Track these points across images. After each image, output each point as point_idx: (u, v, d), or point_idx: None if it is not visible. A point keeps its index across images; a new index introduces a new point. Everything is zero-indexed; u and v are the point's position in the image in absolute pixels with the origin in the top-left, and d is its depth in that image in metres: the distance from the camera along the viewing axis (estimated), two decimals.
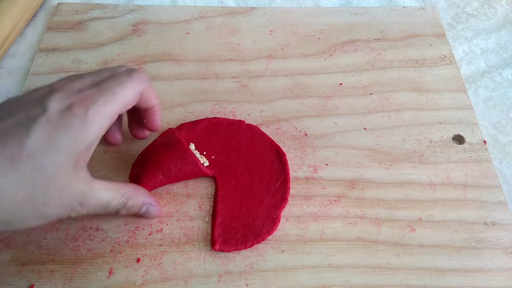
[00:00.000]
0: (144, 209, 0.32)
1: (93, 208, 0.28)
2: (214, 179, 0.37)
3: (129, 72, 0.30)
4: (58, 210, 0.26)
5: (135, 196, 0.31)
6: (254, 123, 0.40)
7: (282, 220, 0.34)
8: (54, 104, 0.26)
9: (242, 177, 0.36)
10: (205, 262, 0.33)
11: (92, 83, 0.28)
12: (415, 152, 0.39)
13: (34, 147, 0.24)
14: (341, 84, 0.44)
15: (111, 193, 0.29)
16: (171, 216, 0.35)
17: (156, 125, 0.35)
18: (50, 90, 0.27)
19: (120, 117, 0.35)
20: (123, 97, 0.28)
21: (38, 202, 0.25)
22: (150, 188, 0.35)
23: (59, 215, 0.27)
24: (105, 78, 0.29)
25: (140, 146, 0.38)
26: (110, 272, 0.32)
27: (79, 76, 0.29)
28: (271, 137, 0.39)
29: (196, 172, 0.36)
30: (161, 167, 0.34)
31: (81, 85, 0.28)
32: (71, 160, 0.26)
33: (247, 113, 0.41)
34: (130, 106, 0.30)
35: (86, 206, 0.28)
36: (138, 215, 0.34)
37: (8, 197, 0.24)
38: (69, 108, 0.26)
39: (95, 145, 0.28)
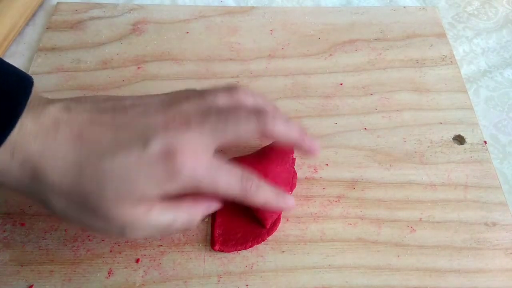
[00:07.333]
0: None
1: None
2: None
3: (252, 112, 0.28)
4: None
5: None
6: None
7: (282, 220, 0.34)
8: (156, 144, 0.25)
9: None
10: (204, 263, 0.33)
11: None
12: (415, 152, 0.39)
13: (115, 167, 0.25)
14: (341, 84, 0.44)
15: None
16: None
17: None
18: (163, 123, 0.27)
19: None
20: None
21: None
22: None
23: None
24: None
25: None
26: (109, 273, 0.32)
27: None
28: None
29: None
30: None
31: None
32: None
33: None
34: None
35: None
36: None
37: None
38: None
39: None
